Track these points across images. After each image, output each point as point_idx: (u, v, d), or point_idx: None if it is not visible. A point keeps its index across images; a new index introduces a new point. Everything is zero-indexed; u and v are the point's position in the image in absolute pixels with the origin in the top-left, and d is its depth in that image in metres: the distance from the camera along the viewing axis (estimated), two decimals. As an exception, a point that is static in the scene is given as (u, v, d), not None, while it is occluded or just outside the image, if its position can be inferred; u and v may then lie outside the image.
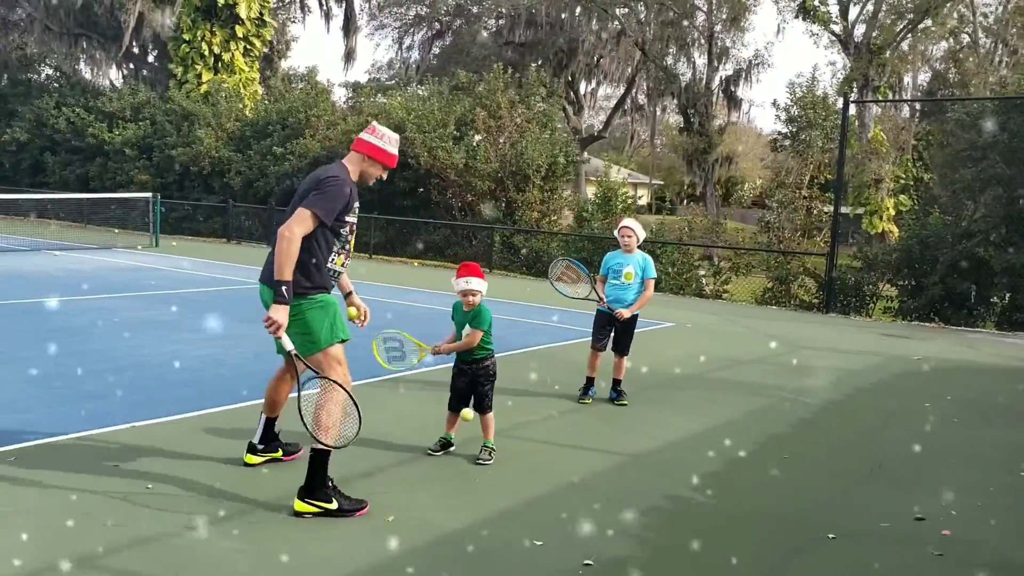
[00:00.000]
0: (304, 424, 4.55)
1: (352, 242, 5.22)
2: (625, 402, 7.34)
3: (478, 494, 5.09)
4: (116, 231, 23.77)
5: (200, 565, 3.99)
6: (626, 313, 7.23)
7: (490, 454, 5.65)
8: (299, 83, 39.21)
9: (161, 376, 7.44)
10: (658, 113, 41.07)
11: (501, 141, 20.22)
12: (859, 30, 33.68)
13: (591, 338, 7.53)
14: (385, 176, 5.07)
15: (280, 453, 5.51)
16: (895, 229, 30.29)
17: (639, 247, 7.44)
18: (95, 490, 4.81)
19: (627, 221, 7.46)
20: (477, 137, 20.14)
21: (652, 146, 48.53)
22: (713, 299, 16.81)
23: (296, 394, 4.65)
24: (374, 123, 5.13)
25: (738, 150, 40.77)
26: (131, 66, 34.18)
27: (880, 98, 32.43)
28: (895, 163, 32.19)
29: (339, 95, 45.13)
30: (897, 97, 34.86)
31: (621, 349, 7.44)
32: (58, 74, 33.41)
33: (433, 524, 4.59)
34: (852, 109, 33.38)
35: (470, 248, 20.34)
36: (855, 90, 31.85)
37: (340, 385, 4.61)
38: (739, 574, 4.17)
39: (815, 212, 20.13)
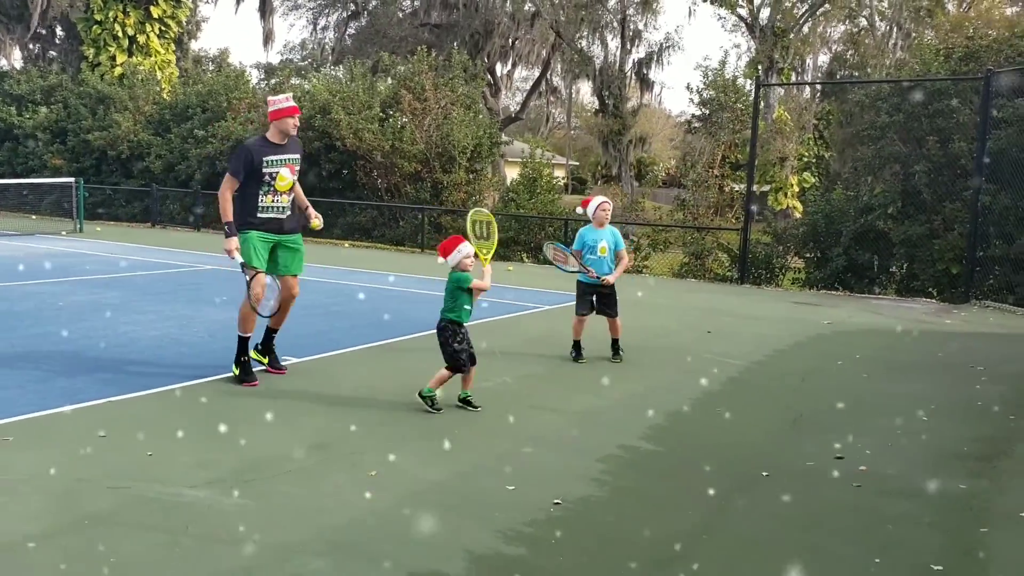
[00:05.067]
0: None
1: (284, 181, 6.83)
2: (619, 360, 8.28)
3: (452, 451, 5.57)
4: (34, 218, 23.25)
5: (207, 520, 4.37)
6: (611, 279, 8.18)
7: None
8: (210, 65, 38.63)
9: (124, 356, 7.69)
10: (573, 95, 41.84)
11: (426, 123, 20.55)
12: (764, 13, 35.04)
13: (575, 306, 8.39)
14: (296, 122, 6.88)
15: (267, 361, 7.29)
16: (799, 205, 31.74)
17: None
18: (88, 457, 5.13)
19: (601, 197, 8.43)
20: (403, 119, 20.42)
21: (568, 127, 49.33)
22: (635, 274, 17.56)
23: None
24: (269, 96, 7.11)
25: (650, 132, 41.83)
26: (38, 47, 33.13)
27: (784, 80, 33.77)
28: (798, 142, 33.63)
29: (253, 77, 44.52)
30: (800, 79, 36.34)
31: (611, 312, 8.33)
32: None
33: (415, 477, 5.06)
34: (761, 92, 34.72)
35: (398, 229, 20.66)
36: (760, 72, 33.15)
37: (250, 295, 6.71)
38: (688, 508, 4.77)
39: (727, 190, 21.10)
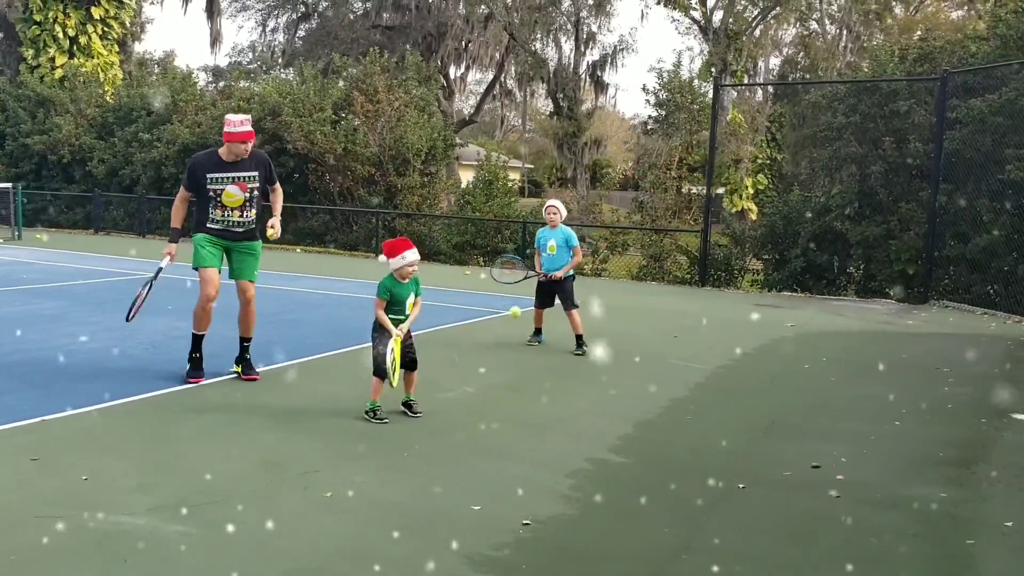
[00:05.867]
0: None
1: (232, 198, 6.88)
2: (581, 352, 8.63)
3: (412, 467, 5.26)
4: (-32, 225, 22.38)
5: (148, 551, 4.01)
6: (559, 274, 8.75)
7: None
8: (156, 68, 37.72)
9: (60, 370, 7.24)
10: (528, 98, 41.62)
11: (379, 125, 20.17)
12: (717, 16, 35.19)
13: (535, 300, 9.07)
14: (248, 147, 6.87)
15: (240, 369, 7.21)
16: (754, 207, 31.90)
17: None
18: (20, 486, 4.73)
19: (552, 200, 9.19)
20: (356, 122, 20.00)
21: (523, 130, 49.16)
22: (594, 277, 17.37)
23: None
24: (227, 116, 6.96)
25: (605, 134, 41.81)
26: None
27: (737, 82, 33.93)
28: (752, 144, 33.82)
29: (201, 80, 43.64)
30: (752, 81, 36.57)
31: (566, 305, 8.80)
32: None
33: (373, 497, 4.74)
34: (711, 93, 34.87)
35: (351, 234, 20.24)
36: (714, 74, 33.27)
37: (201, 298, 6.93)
38: (665, 524, 4.52)
39: (684, 192, 21.02)
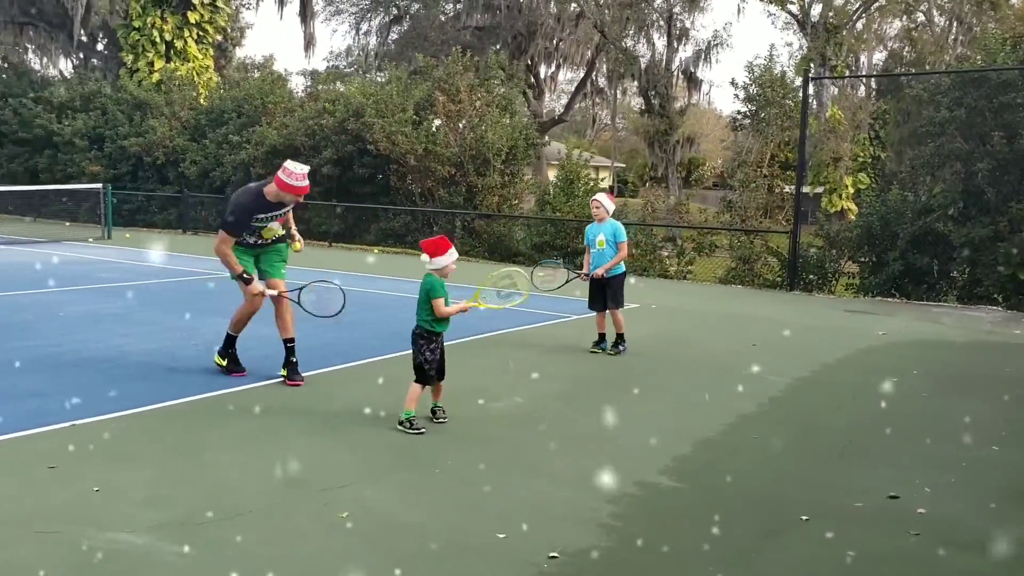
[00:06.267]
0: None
1: (272, 232, 6.83)
2: (612, 352, 8.36)
3: (440, 484, 4.88)
4: (68, 224, 23.16)
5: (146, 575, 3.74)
6: (599, 272, 8.31)
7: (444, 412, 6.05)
8: (255, 72, 38.55)
9: (106, 372, 7.13)
10: (619, 96, 40.88)
11: (461, 125, 19.92)
12: (816, 10, 33.79)
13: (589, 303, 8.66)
14: (297, 200, 6.67)
15: (285, 373, 7.00)
16: (854, 207, 30.44)
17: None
18: (28, 497, 4.53)
19: (597, 195, 8.61)
20: (437, 122, 19.80)
21: (613, 128, 48.42)
22: (678, 280, 16.71)
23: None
24: (287, 163, 6.62)
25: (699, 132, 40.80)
26: (80, 55, 33.27)
27: (836, 76, 32.48)
28: (853, 141, 32.34)
29: (298, 83, 44.55)
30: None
31: (610, 303, 8.42)
32: (5, 65, 32.34)
33: (391, 518, 4.38)
34: (811, 88, 33.53)
35: (431, 234, 20.05)
36: (812, 67, 31.94)
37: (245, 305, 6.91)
38: (711, 561, 4.01)
39: (776, 191, 20.08)
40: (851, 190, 32.27)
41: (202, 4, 27.09)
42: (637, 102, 44.46)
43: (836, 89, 34.16)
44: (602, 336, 8.56)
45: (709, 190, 31.67)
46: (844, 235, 15.63)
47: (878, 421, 6.39)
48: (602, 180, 49.28)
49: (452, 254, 5.88)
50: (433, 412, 6.05)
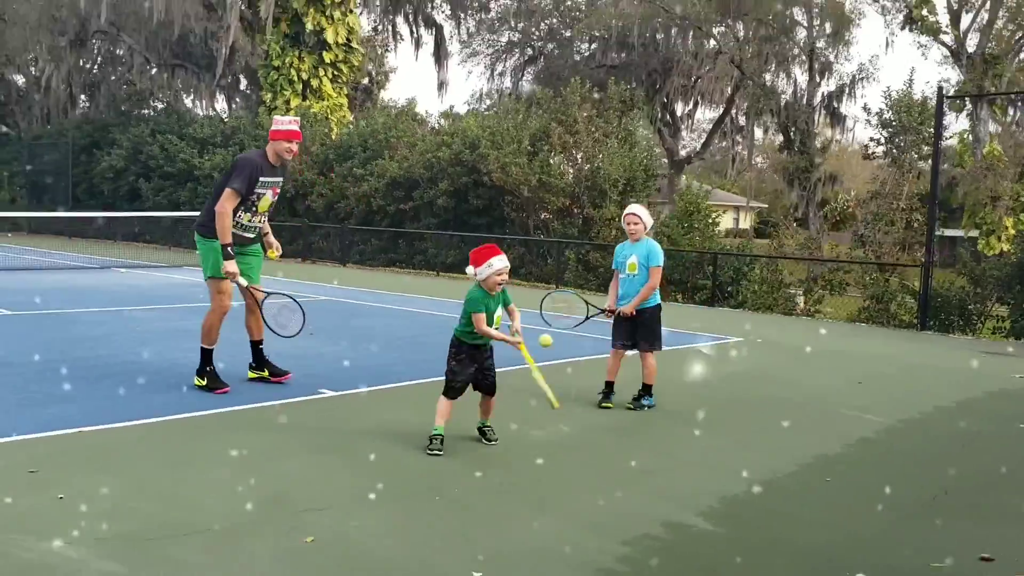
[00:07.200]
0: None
1: (267, 203, 6.59)
2: (631, 407, 6.68)
3: (432, 514, 4.27)
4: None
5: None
6: (627, 309, 6.65)
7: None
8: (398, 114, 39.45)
9: (147, 382, 6.88)
10: (759, 133, 39.41)
11: (578, 156, 19.43)
12: (973, 40, 31.58)
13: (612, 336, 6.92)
14: (295, 148, 6.56)
15: (267, 373, 6.95)
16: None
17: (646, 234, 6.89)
18: (24, 496, 4.24)
19: (633, 207, 6.95)
20: (553, 154, 19.37)
21: (750, 165, 46.77)
22: (805, 318, 15.49)
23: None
24: (274, 116, 6.68)
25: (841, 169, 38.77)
26: (225, 94, 34.97)
27: (996, 110, 30.16)
28: (1014, 180, 29.79)
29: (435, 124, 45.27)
30: (1016, 110, 32.39)
31: (642, 344, 6.73)
32: (158, 104, 34.37)
33: (361, 550, 3.81)
34: (965, 123, 31.25)
35: (545, 266, 19.56)
36: (968, 104, 29.77)
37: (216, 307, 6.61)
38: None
39: (915, 226, 18.47)
40: (1011, 231, 29.63)
41: (337, 44, 27.87)
42: (778, 140, 42.81)
43: (994, 125, 31.68)
44: (610, 385, 6.77)
45: (839, 230, 29.21)
46: (992, 272, 14.08)
47: (984, 471, 5.35)
48: (718, 214, 47.62)
49: (493, 264, 5.32)
50: (481, 432, 5.56)
